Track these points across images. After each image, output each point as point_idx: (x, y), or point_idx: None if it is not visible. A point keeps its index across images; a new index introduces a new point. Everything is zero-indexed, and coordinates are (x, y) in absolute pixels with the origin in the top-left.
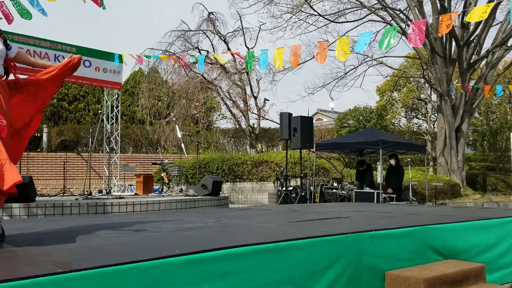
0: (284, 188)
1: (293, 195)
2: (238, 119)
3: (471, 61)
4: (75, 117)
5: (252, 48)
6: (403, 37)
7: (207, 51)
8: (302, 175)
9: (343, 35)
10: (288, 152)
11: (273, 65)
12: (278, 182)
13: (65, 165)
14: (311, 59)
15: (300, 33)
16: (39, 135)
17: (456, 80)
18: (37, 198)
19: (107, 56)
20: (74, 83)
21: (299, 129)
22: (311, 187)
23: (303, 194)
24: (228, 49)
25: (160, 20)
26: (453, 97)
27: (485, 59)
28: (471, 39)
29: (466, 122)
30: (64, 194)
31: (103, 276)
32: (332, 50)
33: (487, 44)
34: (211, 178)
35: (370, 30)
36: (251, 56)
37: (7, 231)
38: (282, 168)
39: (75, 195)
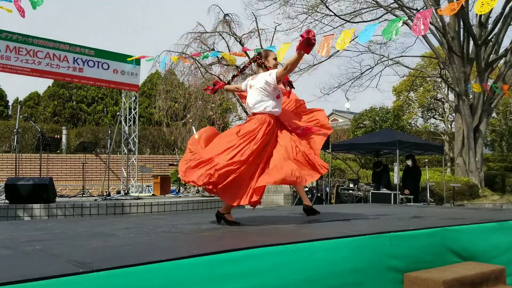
0: None
1: (309, 196)
2: None
3: (489, 60)
4: (93, 119)
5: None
6: (420, 36)
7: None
8: None
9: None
10: None
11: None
12: None
13: (84, 167)
14: (326, 59)
15: (316, 34)
16: (58, 137)
17: (474, 80)
18: (57, 199)
19: (125, 58)
20: (92, 85)
21: None
22: (327, 188)
23: (319, 195)
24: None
25: (177, 22)
26: (471, 96)
27: (504, 58)
28: (489, 38)
29: (484, 122)
30: (83, 195)
31: (123, 276)
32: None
33: (506, 43)
34: None
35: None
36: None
37: (27, 231)
38: None
39: (94, 196)
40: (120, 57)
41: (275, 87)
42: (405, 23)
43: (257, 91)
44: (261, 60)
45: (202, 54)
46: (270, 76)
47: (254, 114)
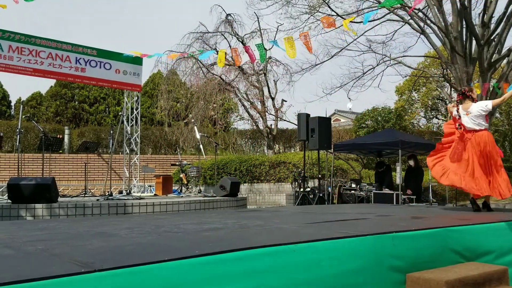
0: (301, 189)
1: (311, 196)
2: (256, 120)
3: (492, 60)
4: (95, 119)
5: (269, 49)
6: (422, 36)
7: (225, 53)
8: (320, 176)
9: (361, 34)
10: (305, 153)
11: (289, 65)
12: (296, 183)
13: (86, 167)
14: (328, 59)
15: (318, 33)
16: (60, 137)
17: (477, 80)
18: (59, 199)
19: (127, 58)
20: (94, 86)
21: (317, 130)
22: (329, 188)
23: (321, 195)
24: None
25: (178, 22)
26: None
27: (507, 58)
28: (492, 37)
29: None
30: (86, 195)
31: (125, 276)
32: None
33: (509, 43)
34: (229, 179)
35: (388, 29)
36: (261, 47)
37: (30, 231)
38: (299, 169)
39: (96, 196)
40: (122, 57)
41: (486, 113)
42: (407, 22)
43: (474, 116)
44: (470, 93)
45: (197, 52)
46: (486, 106)
47: (475, 131)
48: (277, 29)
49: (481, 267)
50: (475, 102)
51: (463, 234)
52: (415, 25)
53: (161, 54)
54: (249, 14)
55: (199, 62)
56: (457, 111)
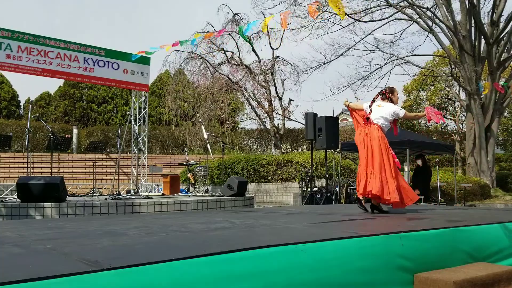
0: (309, 189)
1: (318, 195)
2: (263, 120)
3: (501, 59)
4: (103, 119)
5: (276, 48)
6: (430, 35)
7: (232, 52)
8: (327, 175)
9: (369, 34)
10: (313, 152)
11: (296, 64)
12: (303, 182)
13: (94, 166)
14: (336, 58)
15: (325, 33)
16: (69, 136)
17: (486, 79)
18: (68, 198)
19: (135, 58)
20: (103, 85)
21: (324, 129)
22: (337, 188)
23: (328, 194)
24: (253, 50)
25: (186, 21)
26: (482, 95)
27: None
28: (501, 36)
29: (496, 122)
30: (94, 194)
31: (133, 275)
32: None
33: None
34: (236, 179)
35: (396, 29)
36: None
37: (39, 230)
38: (307, 169)
39: (104, 195)
40: (130, 57)
41: (396, 118)
42: (415, 21)
43: (385, 113)
44: (389, 95)
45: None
46: (397, 113)
47: (375, 124)
48: (284, 29)
49: (490, 268)
50: (393, 104)
51: (471, 234)
52: (424, 24)
53: (157, 48)
54: (257, 13)
55: (206, 61)
56: (370, 107)
